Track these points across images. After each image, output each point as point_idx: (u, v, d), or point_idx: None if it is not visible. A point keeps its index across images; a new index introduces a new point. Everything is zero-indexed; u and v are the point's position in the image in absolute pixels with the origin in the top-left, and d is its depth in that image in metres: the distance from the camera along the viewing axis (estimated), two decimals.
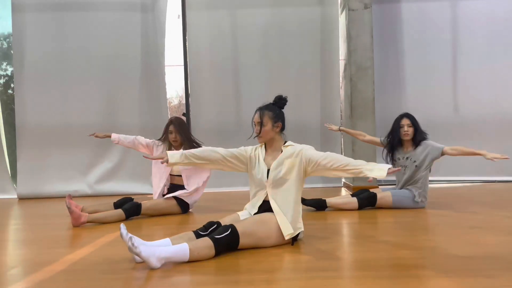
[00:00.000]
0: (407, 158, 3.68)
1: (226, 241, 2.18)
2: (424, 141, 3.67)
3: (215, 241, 2.14)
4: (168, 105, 5.56)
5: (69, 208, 3.16)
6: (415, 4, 5.47)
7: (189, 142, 3.67)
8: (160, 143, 3.86)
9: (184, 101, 5.69)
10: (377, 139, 3.88)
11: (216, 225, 2.32)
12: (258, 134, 2.47)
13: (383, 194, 3.67)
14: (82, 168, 5.38)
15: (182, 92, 5.63)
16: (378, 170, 2.26)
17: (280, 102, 2.54)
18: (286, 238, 2.37)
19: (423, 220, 3.19)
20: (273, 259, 2.17)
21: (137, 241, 1.98)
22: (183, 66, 5.54)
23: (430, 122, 5.48)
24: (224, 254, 2.21)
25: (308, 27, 5.48)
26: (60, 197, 5.24)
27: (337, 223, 3.22)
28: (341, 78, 5.53)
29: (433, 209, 3.61)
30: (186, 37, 5.53)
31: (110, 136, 3.92)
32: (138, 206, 3.48)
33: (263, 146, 2.58)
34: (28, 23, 5.33)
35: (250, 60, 5.51)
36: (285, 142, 2.55)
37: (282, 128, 2.53)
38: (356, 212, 3.58)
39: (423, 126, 5.43)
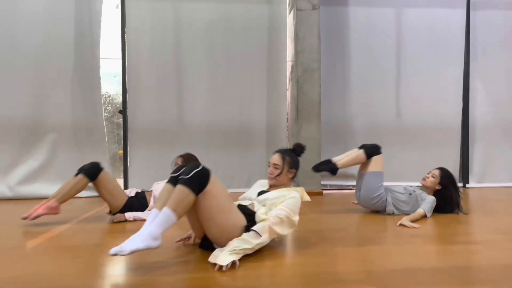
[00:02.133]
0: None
1: (199, 179, 2.05)
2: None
3: (187, 183, 2.02)
4: (102, 100, 5.13)
5: (39, 216, 3.11)
6: (362, 8, 5.47)
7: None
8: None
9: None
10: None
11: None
12: (274, 177, 2.51)
13: (381, 159, 3.59)
14: (2, 168, 4.83)
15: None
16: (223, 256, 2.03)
17: (299, 150, 2.60)
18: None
19: (364, 228, 3.11)
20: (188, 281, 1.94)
21: (126, 247, 1.86)
22: (120, 60, 5.16)
23: (373, 126, 5.55)
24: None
25: (255, 25, 5.30)
26: None
27: None
28: (287, 80, 5.41)
29: (372, 217, 3.55)
30: (125, 29, 5.15)
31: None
32: (99, 167, 3.29)
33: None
34: None
35: (193, 56, 5.24)
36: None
37: (294, 176, 2.58)
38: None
39: (366, 130, 5.52)
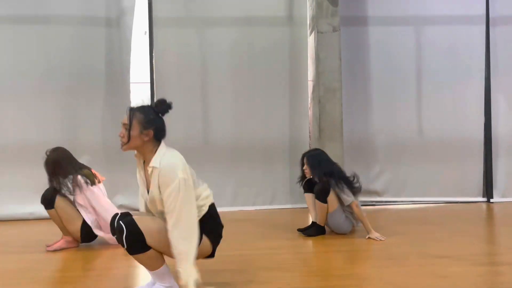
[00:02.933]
0: None
1: (135, 242, 1.94)
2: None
3: (133, 252, 1.98)
4: None
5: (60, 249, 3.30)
6: (381, 28, 5.57)
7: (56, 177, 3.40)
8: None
9: None
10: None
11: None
12: (122, 138, 2.04)
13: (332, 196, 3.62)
14: (39, 189, 5.05)
15: None
16: (186, 274, 1.89)
17: (160, 106, 2.08)
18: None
19: (387, 247, 3.17)
20: None
21: None
22: (149, 84, 5.39)
23: (396, 144, 5.61)
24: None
25: (277, 46, 5.46)
26: (13, 220, 4.94)
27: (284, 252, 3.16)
28: (309, 99, 5.55)
29: (397, 235, 3.60)
30: (153, 54, 5.39)
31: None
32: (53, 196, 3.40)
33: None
34: None
35: (218, 78, 5.42)
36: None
37: (157, 137, 2.06)
38: (305, 240, 3.54)
39: (388, 146, 5.59)
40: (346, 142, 5.26)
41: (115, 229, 1.99)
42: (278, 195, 5.50)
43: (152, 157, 2.03)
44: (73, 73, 5.16)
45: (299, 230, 3.77)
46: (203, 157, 5.33)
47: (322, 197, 3.59)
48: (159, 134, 2.06)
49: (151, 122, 2.02)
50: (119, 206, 5.23)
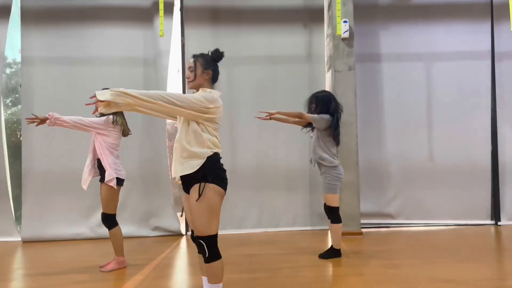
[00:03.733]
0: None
1: (212, 248, 2.36)
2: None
3: (210, 260, 2.36)
4: (167, 153, 5.92)
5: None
6: (394, 64, 6.05)
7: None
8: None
9: None
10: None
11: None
12: (189, 79, 2.56)
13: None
14: (85, 211, 5.65)
15: None
16: (104, 92, 2.35)
17: (215, 54, 2.60)
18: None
19: (400, 273, 3.50)
20: None
21: None
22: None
23: (408, 170, 6.02)
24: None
25: (297, 82, 5.98)
26: (62, 240, 5.51)
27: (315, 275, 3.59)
28: None
29: (406, 259, 3.96)
30: (186, 90, 5.95)
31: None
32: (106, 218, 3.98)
33: None
34: (36, 75, 5.68)
35: (244, 110, 5.94)
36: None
37: (213, 80, 2.59)
38: (323, 262, 3.96)
39: (401, 173, 6.01)
40: (361, 170, 5.71)
41: (197, 247, 2.42)
42: (299, 218, 5.97)
43: None
44: None
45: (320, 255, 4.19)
46: (231, 184, 5.72)
47: (334, 216, 4.04)
48: (215, 75, 2.61)
49: (209, 65, 2.56)
50: (154, 228, 5.76)
